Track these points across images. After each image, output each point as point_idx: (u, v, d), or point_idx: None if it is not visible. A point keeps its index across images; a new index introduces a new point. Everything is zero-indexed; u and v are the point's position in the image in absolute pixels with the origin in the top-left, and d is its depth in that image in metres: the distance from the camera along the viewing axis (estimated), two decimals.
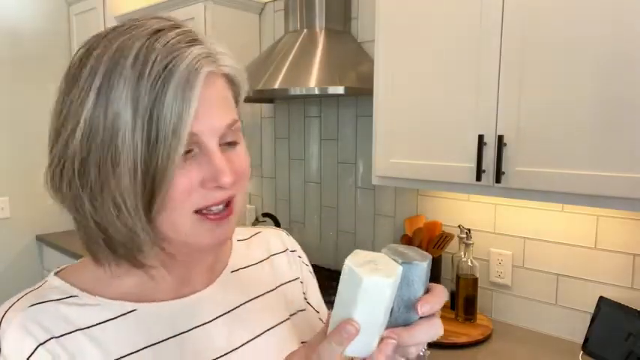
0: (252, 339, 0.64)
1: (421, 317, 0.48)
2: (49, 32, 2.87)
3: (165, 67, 0.47)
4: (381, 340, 0.47)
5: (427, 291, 0.49)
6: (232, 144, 0.54)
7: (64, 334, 0.52)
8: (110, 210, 0.49)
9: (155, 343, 0.56)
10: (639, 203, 1.17)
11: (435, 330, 0.49)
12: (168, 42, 0.49)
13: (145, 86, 0.47)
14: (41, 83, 2.83)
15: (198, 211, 0.52)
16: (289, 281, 0.73)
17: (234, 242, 0.72)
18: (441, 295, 0.50)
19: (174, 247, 0.55)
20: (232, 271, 0.67)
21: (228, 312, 0.63)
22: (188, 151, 0.50)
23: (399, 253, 0.49)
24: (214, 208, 0.53)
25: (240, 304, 0.65)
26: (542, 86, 1.29)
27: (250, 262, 0.71)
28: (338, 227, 2.25)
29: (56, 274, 0.59)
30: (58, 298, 0.55)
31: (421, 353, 0.52)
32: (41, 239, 2.89)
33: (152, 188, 0.48)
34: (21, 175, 2.77)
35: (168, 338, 0.57)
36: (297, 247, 0.79)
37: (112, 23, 2.64)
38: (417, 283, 0.48)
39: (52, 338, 0.51)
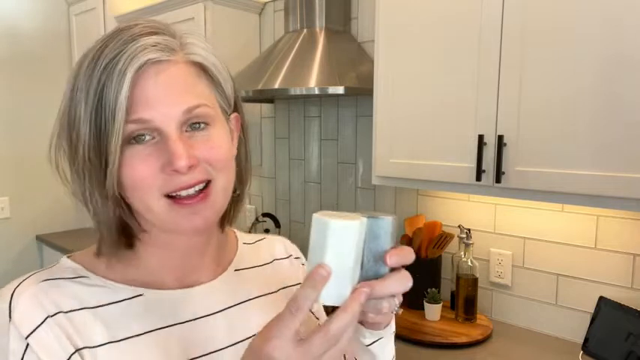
0: (253, 335, 0.64)
1: (391, 271, 0.52)
2: (49, 32, 2.87)
3: (113, 58, 0.50)
4: (355, 290, 0.49)
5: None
6: (200, 128, 0.55)
7: (72, 310, 0.55)
8: (96, 192, 0.53)
9: (158, 329, 0.58)
10: (639, 203, 1.17)
11: (405, 281, 0.52)
12: (124, 36, 0.52)
13: (95, 78, 0.50)
14: (41, 83, 2.83)
15: (168, 196, 0.53)
16: (291, 285, 0.74)
17: (240, 245, 0.73)
18: (407, 250, 0.52)
19: (163, 233, 0.58)
20: (236, 270, 0.69)
21: (231, 307, 0.65)
22: (152, 138, 0.52)
23: (366, 214, 0.52)
24: (183, 193, 0.53)
25: (242, 301, 0.66)
26: (542, 86, 1.29)
27: (254, 264, 0.72)
28: None
29: (68, 257, 0.62)
30: (70, 277, 0.58)
31: (393, 311, 0.55)
32: (41, 239, 2.89)
33: (105, 170, 0.51)
34: (21, 175, 2.77)
35: (170, 325, 0.59)
36: (301, 255, 0.81)
37: (111, 23, 2.65)
38: (383, 237, 0.51)
39: (60, 312, 0.54)
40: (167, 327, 0.58)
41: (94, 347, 0.54)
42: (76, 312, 0.55)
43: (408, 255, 0.52)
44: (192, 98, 0.54)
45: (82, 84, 0.51)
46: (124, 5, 2.66)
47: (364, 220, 0.50)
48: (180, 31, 0.57)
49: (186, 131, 0.54)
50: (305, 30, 1.99)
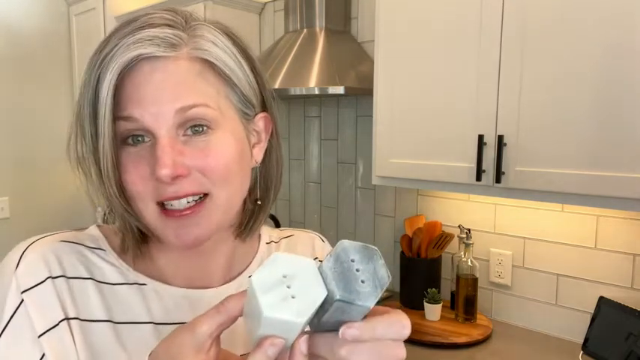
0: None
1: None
2: (49, 32, 2.87)
3: (109, 52, 0.48)
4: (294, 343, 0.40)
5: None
6: (200, 132, 0.50)
7: (76, 277, 0.53)
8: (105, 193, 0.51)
9: (158, 323, 0.56)
10: (639, 203, 1.17)
11: (397, 327, 0.39)
12: (129, 28, 0.49)
13: (94, 72, 0.49)
14: (41, 83, 2.83)
15: (160, 204, 0.50)
16: None
17: (262, 245, 0.66)
18: (385, 321, 0.39)
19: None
20: (250, 276, 0.65)
21: None
22: (148, 140, 0.49)
23: (344, 273, 0.36)
24: (175, 203, 0.50)
25: None
26: (542, 86, 1.29)
27: None
28: (338, 227, 2.25)
29: (98, 226, 0.61)
30: (90, 246, 0.57)
31: None
32: None
33: (106, 170, 0.49)
34: (21, 175, 2.77)
35: (163, 323, 0.56)
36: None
37: (111, 23, 2.65)
38: (354, 317, 0.37)
39: (62, 276, 0.53)
40: (162, 324, 0.56)
41: (88, 320, 0.52)
42: (81, 280, 0.53)
43: (376, 327, 0.38)
44: (189, 97, 0.48)
45: (86, 77, 0.49)
46: (124, 5, 2.66)
47: (320, 302, 0.36)
48: (195, 21, 0.52)
49: (183, 135, 0.49)
50: (305, 30, 1.99)
